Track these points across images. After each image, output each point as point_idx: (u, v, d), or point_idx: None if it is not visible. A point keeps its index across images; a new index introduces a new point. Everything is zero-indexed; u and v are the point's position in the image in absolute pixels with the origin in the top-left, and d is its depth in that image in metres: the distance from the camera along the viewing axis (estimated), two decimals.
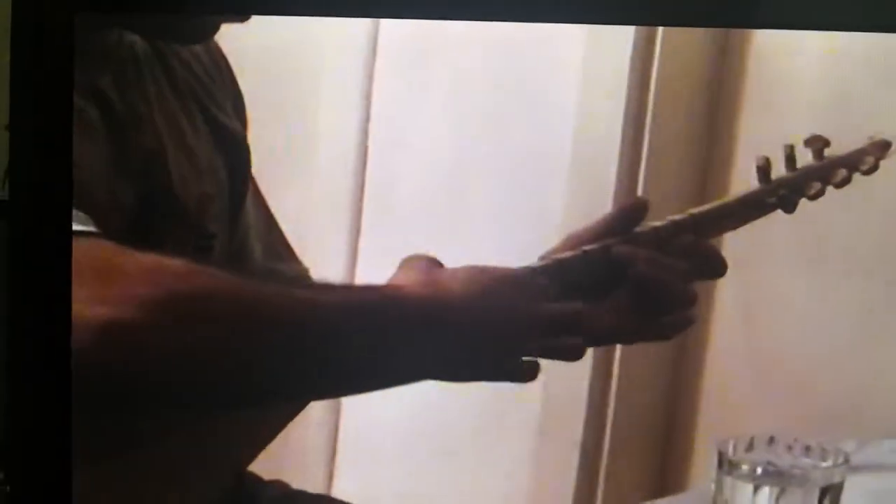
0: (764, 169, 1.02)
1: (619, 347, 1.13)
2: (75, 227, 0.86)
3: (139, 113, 0.93)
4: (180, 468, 0.95)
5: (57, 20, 0.89)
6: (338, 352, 0.89)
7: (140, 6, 0.94)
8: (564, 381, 1.13)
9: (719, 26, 1.09)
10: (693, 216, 1.02)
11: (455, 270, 0.95)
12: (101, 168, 0.90)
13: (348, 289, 1.02)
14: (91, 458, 0.90)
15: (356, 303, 0.92)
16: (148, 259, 0.84)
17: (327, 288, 0.98)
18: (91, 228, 0.85)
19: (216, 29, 0.95)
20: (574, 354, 0.97)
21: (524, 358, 0.95)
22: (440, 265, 0.96)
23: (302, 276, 1.00)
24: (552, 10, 0.97)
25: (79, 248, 0.86)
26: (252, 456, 1.01)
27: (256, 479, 1.03)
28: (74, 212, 0.86)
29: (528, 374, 0.96)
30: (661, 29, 1.08)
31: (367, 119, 1.10)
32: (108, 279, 0.83)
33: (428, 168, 1.10)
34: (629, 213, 1.01)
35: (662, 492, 1.14)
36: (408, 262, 0.96)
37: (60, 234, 0.88)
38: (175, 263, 0.85)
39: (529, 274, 0.97)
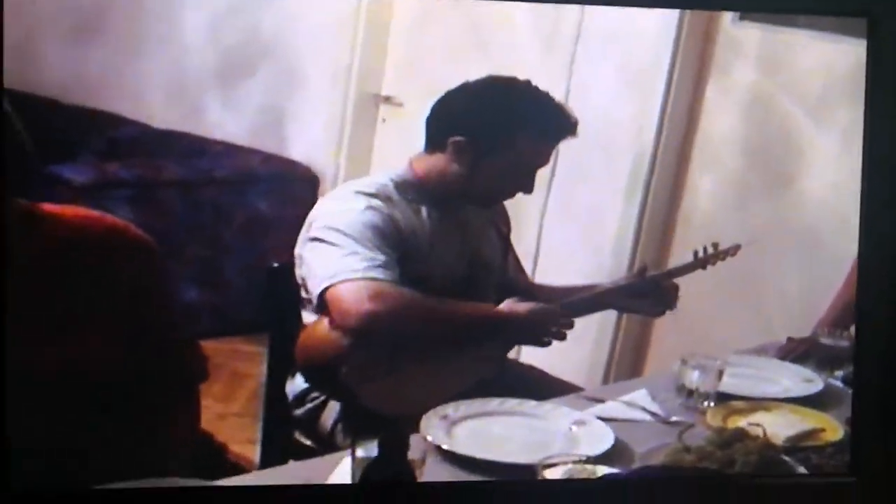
0: (695, 254, 2.79)
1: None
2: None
3: (473, 231, 2.70)
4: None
5: None
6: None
7: None
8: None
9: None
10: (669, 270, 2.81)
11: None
12: (453, 254, 2.65)
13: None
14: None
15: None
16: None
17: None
18: None
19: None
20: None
21: None
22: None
23: (526, 282, 2.79)
24: None
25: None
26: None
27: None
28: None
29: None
30: None
31: None
32: None
33: None
34: (642, 268, 2.80)
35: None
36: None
37: None
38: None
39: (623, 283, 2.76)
